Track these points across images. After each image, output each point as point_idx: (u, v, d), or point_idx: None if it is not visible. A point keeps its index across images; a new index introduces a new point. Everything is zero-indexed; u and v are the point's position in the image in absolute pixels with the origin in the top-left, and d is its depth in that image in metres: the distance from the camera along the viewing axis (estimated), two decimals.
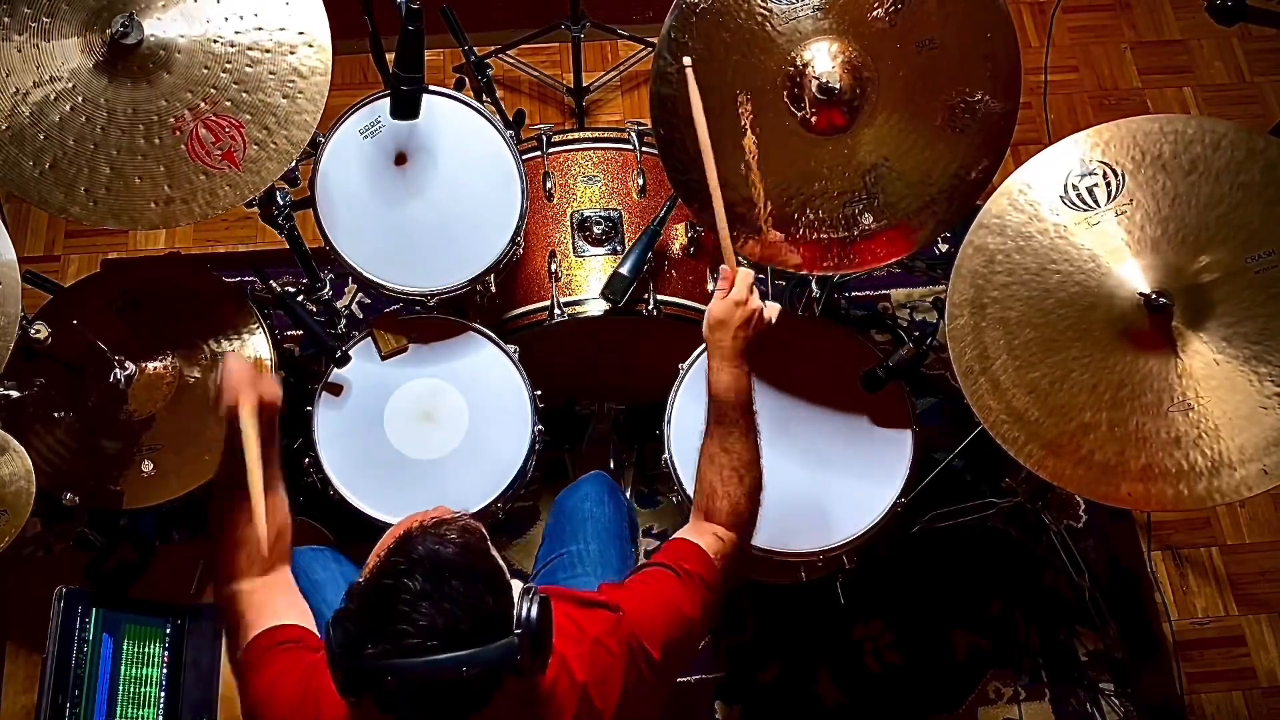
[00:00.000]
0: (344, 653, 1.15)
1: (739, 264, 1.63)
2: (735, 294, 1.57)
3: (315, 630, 1.45)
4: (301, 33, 1.71)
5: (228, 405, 1.49)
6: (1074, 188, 1.68)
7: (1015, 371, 1.66)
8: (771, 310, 1.60)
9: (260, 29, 1.70)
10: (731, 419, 1.54)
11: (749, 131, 1.73)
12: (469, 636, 1.14)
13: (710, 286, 2.22)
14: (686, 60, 1.66)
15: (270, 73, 1.69)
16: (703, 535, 1.51)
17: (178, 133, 1.67)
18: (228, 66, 1.68)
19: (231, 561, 1.48)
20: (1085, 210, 1.67)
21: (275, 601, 1.46)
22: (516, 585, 1.23)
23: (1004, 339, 1.67)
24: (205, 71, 1.68)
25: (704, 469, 1.56)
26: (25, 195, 1.68)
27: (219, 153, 1.67)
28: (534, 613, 1.19)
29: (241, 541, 1.48)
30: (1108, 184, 1.67)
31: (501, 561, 1.24)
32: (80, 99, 1.66)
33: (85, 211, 1.67)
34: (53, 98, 1.65)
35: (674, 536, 1.52)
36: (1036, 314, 1.66)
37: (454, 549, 1.19)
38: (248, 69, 1.69)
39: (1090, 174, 1.67)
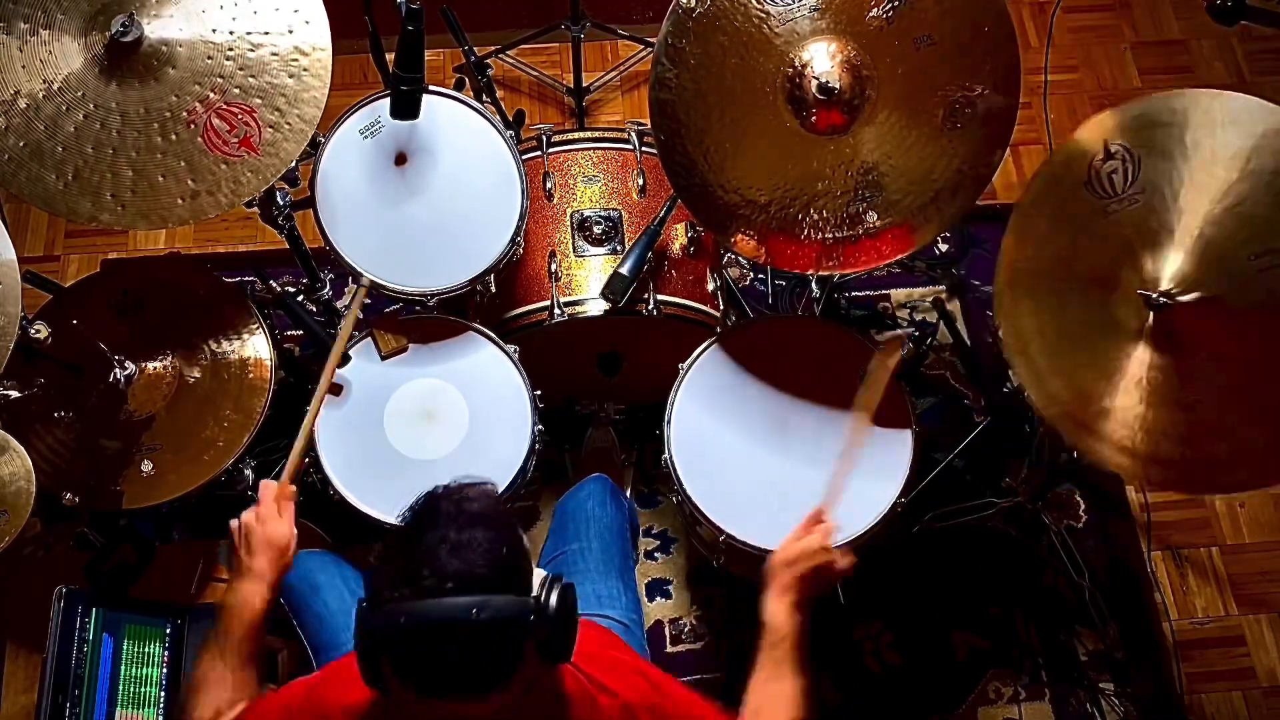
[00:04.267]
0: (370, 604, 1.17)
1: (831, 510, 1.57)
2: (811, 541, 1.51)
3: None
4: (296, 10, 1.72)
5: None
6: (1097, 172, 1.68)
7: (1048, 358, 1.69)
8: (846, 561, 1.53)
9: (255, 13, 1.72)
10: (783, 652, 1.48)
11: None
12: (485, 583, 1.15)
13: (710, 286, 2.22)
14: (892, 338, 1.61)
15: (273, 54, 1.70)
16: None
17: (192, 126, 1.68)
18: (230, 54, 1.69)
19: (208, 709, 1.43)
20: (1105, 199, 1.67)
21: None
22: (540, 572, 1.24)
23: (1035, 321, 1.70)
24: (209, 62, 1.69)
25: (755, 691, 1.50)
26: (53, 209, 1.68)
27: (236, 140, 1.68)
28: (554, 594, 1.20)
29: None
30: (1125, 169, 1.67)
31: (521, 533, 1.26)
32: (91, 106, 1.67)
33: (115, 217, 1.68)
34: (65, 108, 1.66)
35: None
36: (1059, 306, 1.69)
37: (476, 501, 1.22)
38: (250, 54, 1.69)
39: (1111, 157, 1.67)
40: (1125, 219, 1.66)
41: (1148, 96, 1.69)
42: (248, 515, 1.52)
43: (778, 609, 1.49)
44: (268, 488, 1.55)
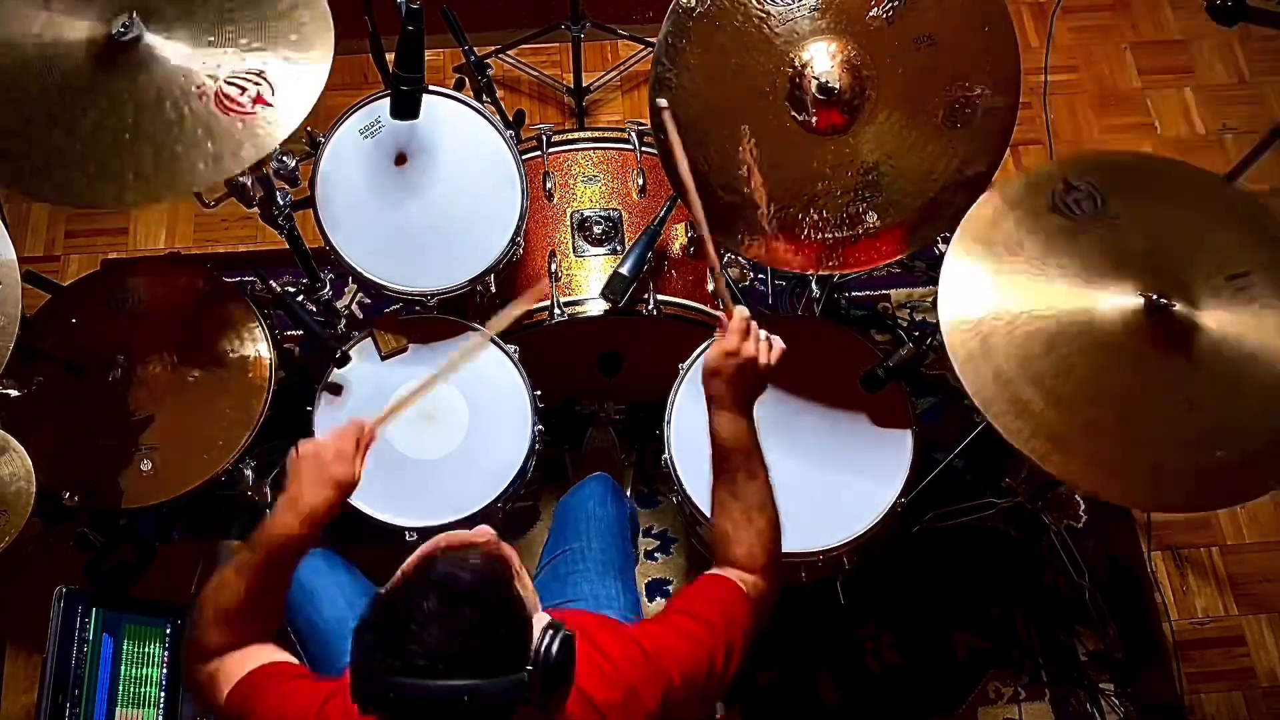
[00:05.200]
0: (360, 661, 1.15)
1: (735, 304, 1.54)
2: (726, 343, 1.48)
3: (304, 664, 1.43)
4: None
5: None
6: (1061, 199, 1.69)
7: (1019, 362, 1.65)
8: (774, 352, 1.51)
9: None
10: (735, 464, 1.48)
11: (750, 161, 1.71)
12: (476, 666, 1.12)
13: (710, 286, 2.22)
14: (662, 102, 1.65)
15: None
16: (731, 573, 1.47)
17: (204, 99, 1.68)
18: (229, 33, 1.71)
19: (214, 631, 1.39)
20: (1075, 217, 1.68)
21: (254, 654, 1.39)
22: (542, 619, 1.21)
23: (1004, 329, 1.66)
24: (210, 40, 1.70)
25: (716, 516, 1.51)
26: (80, 201, 1.69)
27: (249, 100, 1.68)
28: (554, 649, 1.17)
29: (236, 609, 1.39)
30: (1093, 199, 1.69)
31: (527, 593, 1.22)
32: (104, 101, 1.67)
33: (139, 194, 1.67)
34: (80, 109, 1.67)
35: (708, 573, 1.48)
36: (1039, 307, 1.66)
37: (472, 575, 1.17)
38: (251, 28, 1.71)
39: (1075, 189, 1.68)
40: (1100, 239, 1.67)
41: (1102, 152, 1.73)
42: (313, 446, 1.43)
43: (721, 422, 1.49)
44: (355, 425, 1.46)
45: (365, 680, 1.15)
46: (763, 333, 1.50)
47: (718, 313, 2.21)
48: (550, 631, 1.18)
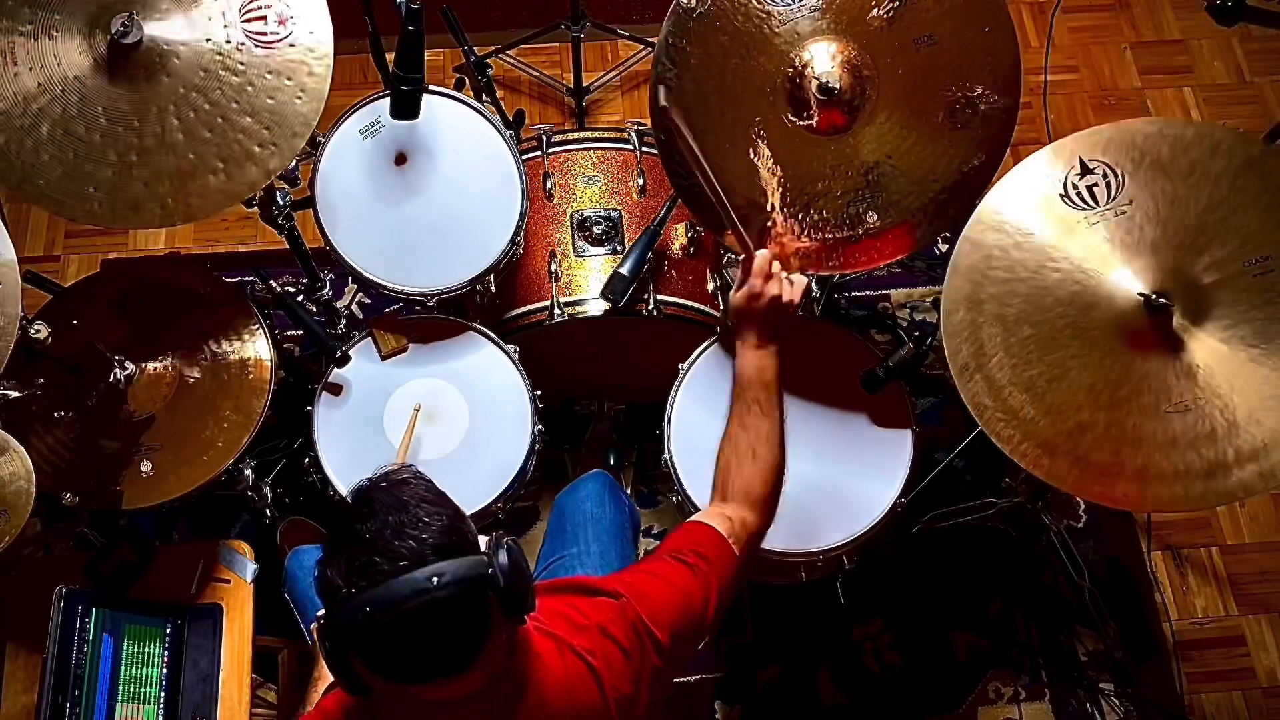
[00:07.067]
0: (329, 609, 1.16)
1: (755, 249, 1.62)
2: (750, 286, 1.59)
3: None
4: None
5: None
6: (1074, 186, 1.68)
7: (1012, 369, 1.66)
8: (795, 290, 1.59)
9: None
10: (751, 396, 1.55)
11: (769, 178, 1.74)
12: (436, 553, 1.15)
13: (710, 286, 2.22)
14: (663, 100, 1.63)
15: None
16: (716, 518, 1.49)
17: (242, 48, 1.70)
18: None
19: None
20: (1085, 209, 1.67)
21: None
22: (483, 537, 1.23)
23: (1000, 336, 1.67)
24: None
25: (722, 448, 1.55)
26: (224, 208, 1.72)
27: (275, 21, 1.71)
28: (502, 549, 1.19)
29: None
30: (1108, 184, 1.67)
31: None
32: (172, 107, 1.69)
33: (281, 158, 1.70)
34: (160, 129, 1.69)
35: (689, 519, 1.51)
36: (1035, 311, 1.66)
37: (408, 484, 1.21)
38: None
39: (1090, 172, 1.67)
40: (1109, 229, 1.66)
41: (1119, 124, 1.69)
42: None
43: (746, 356, 1.57)
44: None
45: (338, 618, 1.15)
46: (783, 273, 1.59)
47: (716, 313, 2.21)
48: (494, 538, 1.21)
